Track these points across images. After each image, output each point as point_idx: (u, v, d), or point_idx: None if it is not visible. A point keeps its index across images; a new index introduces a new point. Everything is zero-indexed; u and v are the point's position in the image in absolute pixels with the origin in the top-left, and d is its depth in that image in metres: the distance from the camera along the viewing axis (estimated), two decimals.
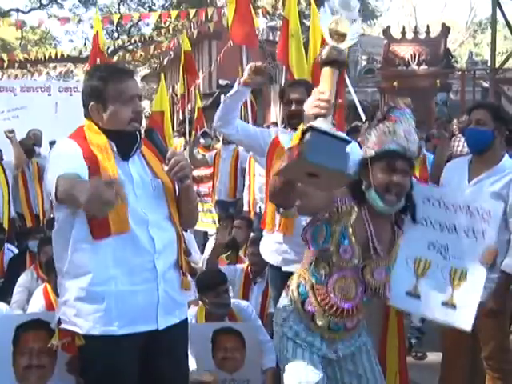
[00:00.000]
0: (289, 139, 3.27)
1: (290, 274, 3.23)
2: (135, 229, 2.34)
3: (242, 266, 4.74)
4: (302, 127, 2.08)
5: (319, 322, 2.56)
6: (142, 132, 2.51)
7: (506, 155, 3.35)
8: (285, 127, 3.66)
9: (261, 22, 22.24)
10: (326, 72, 2.19)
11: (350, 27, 2.21)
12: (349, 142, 2.10)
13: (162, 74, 9.19)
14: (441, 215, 2.59)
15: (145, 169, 2.47)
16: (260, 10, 18.06)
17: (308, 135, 2.03)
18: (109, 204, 1.87)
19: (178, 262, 2.50)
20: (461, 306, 2.51)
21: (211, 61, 22.34)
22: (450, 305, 2.53)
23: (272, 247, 3.50)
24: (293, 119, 3.36)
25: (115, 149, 2.39)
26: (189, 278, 2.67)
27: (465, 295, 2.51)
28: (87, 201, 1.87)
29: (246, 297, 4.49)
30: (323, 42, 6.02)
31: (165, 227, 2.45)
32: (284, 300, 2.71)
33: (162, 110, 7.32)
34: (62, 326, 2.38)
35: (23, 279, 4.73)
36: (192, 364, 3.46)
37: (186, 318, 2.59)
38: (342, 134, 2.14)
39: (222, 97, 12.97)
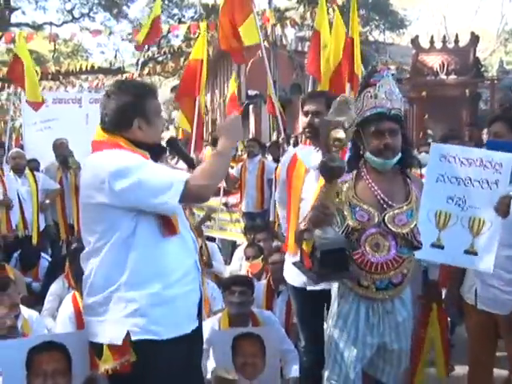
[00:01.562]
0: (304, 153, 3.31)
1: (315, 292, 3.25)
2: (182, 231, 2.48)
3: (263, 282, 4.79)
4: (311, 240, 2.63)
5: (365, 283, 2.74)
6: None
7: None
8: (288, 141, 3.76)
9: (289, 33, 22.40)
10: (328, 187, 2.60)
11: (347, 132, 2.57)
12: (346, 249, 2.62)
13: (204, 24, 8.97)
14: (456, 170, 2.83)
15: None
16: (288, 21, 18.09)
17: (317, 254, 2.57)
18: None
19: None
20: (481, 251, 2.75)
21: (240, 71, 22.48)
22: (471, 252, 2.77)
23: (295, 268, 3.48)
24: (308, 129, 3.41)
25: None
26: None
27: (484, 241, 2.75)
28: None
29: (269, 309, 4.50)
30: (350, 46, 6.08)
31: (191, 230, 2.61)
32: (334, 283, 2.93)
33: (201, 57, 7.33)
34: (135, 337, 2.34)
35: (54, 288, 4.85)
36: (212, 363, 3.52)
37: None
38: (341, 240, 2.64)
39: (251, 107, 13.18)
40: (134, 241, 2.35)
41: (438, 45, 14.96)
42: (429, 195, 2.81)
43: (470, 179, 2.83)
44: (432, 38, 15.21)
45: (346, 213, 2.75)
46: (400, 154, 2.76)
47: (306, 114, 3.44)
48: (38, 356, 2.89)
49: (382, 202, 2.74)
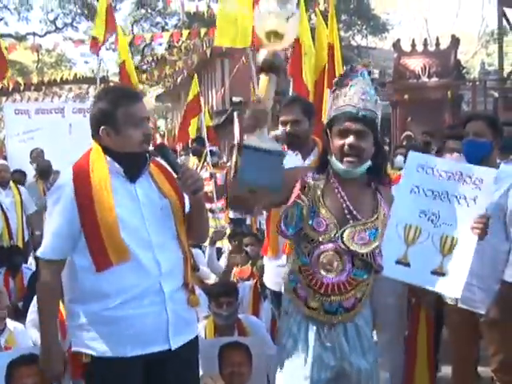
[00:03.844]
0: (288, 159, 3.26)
1: None
2: (140, 253, 2.38)
3: (250, 282, 4.75)
4: (236, 144, 2.28)
5: (312, 304, 2.45)
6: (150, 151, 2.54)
7: (502, 164, 3.36)
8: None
9: None
10: (263, 80, 2.35)
11: (287, 24, 2.29)
12: (281, 154, 2.31)
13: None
14: (434, 183, 2.59)
15: (152, 189, 2.48)
16: None
17: (240, 157, 2.23)
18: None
19: (185, 281, 2.51)
20: (450, 273, 2.49)
21: (224, 78, 22.50)
22: (439, 273, 2.51)
23: (274, 271, 3.44)
24: (289, 139, 3.37)
25: (122, 172, 2.41)
26: (198, 293, 2.66)
27: (455, 263, 2.50)
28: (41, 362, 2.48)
29: (255, 313, 4.49)
30: (330, 51, 6.17)
31: (171, 248, 2.47)
32: (283, 294, 2.65)
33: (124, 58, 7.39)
34: (74, 348, 2.44)
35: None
36: None
37: (197, 336, 2.62)
38: (276, 146, 2.32)
39: (235, 114, 13.08)
40: (77, 266, 2.40)
41: (420, 48, 15.08)
42: (400, 207, 2.55)
43: (447, 193, 2.59)
44: (413, 41, 15.31)
45: (305, 214, 2.43)
46: (369, 162, 2.46)
47: (283, 123, 3.39)
48: (17, 370, 2.90)
49: (347, 212, 2.43)
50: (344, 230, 2.41)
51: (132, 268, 2.36)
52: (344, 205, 2.43)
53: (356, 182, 2.47)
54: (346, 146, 2.39)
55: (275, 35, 2.29)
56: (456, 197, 2.57)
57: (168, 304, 2.41)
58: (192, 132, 10.75)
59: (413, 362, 3.72)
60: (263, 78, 2.36)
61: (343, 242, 2.40)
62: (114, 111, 2.39)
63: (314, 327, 2.47)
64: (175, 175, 2.47)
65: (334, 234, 2.40)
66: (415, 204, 2.58)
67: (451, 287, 2.53)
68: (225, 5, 6.66)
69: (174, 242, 2.48)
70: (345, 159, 2.41)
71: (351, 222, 2.42)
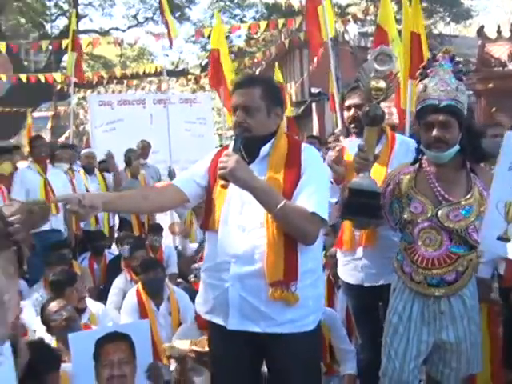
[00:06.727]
0: (353, 145, 3.19)
1: (374, 288, 3.22)
2: (225, 230, 2.51)
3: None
4: (347, 185, 2.78)
5: (416, 278, 2.71)
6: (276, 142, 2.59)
7: None
8: (347, 133, 3.69)
9: (352, 29, 22.15)
10: (368, 132, 2.76)
11: (387, 81, 2.66)
12: (378, 194, 2.75)
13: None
14: None
15: (261, 174, 2.51)
16: (350, 17, 17.89)
17: (346, 195, 2.75)
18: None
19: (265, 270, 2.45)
20: None
21: (303, 69, 22.43)
22: None
23: (351, 265, 3.38)
24: (353, 124, 3.38)
25: (244, 153, 2.52)
26: (294, 291, 2.46)
27: None
28: None
29: (330, 305, 4.43)
30: (413, 40, 6.06)
31: (255, 235, 2.49)
32: (393, 275, 2.91)
33: (217, 47, 7.60)
34: None
35: (118, 282, 5.01)
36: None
37: (296, 335, 2.50)
38: (375, 188, 2.75)
39: (314, 105, 13.32)
40: None
41: (507, 34, 14.41)
42: (499, 185, 2.64)
43: None
44: (499, 27, 14.66)
45: (404, 205, 2.75)
46: (458, 147, 2.66)
47: (348, 108, 3.39)
48: (104, 347, 3.02)
49: (438, 195, 2.69)
50: (438, 210, 2.67)
51: (213, 240, 2.58)
52: (435, 189, 2.70)
53: (448, 165, 2.71)
54: (431, 138, 2.63)
55: (377, 90, 2.66)
56: None
57: (234, 285, 2.48)
58: None
59: None
60: (368, 130, 2.75)
61: (438, 220, 2.66)
62: None
63: (419, 304, 2.74)
64: None
65: (430, 214, 2.67)
66: None
67: None
68: None
69: (262, 230, 2.48)
70: (432, 147, 2.66)
71: (443, 202, 2.68)
